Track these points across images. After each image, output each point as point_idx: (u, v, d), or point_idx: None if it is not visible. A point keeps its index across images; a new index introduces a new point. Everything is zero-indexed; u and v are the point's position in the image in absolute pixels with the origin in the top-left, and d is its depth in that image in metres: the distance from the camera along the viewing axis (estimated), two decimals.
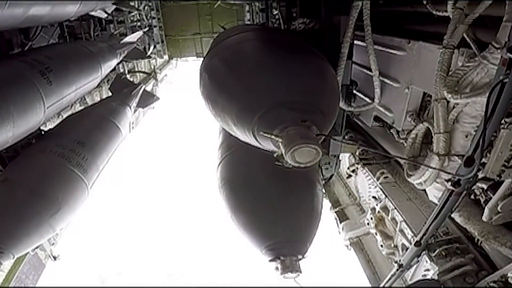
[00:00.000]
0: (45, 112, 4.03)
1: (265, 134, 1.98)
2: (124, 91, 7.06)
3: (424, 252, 3.16)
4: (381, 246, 4.11)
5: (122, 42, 7.78)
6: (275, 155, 2.00)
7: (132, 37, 8.67)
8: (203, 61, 3.21)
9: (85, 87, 5.25)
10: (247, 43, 2.84)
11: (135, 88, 7.45)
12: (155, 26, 12.45)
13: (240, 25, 6.59)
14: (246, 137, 2.29)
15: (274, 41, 2.97)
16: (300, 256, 2.67)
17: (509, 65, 1.83)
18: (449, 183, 2.38)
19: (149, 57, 11.90)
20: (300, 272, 2.54)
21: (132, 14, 10.45)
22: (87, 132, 4.80)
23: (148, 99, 8.02)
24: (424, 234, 2.90)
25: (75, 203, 4.18)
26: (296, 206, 2.98)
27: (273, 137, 1.90)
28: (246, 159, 3.24)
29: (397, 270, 3.33)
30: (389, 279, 3.49)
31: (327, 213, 5.60)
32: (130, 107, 6.65)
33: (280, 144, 1.83)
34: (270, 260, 2.68)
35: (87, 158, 4.43)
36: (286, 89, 2.12)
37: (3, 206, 3.57)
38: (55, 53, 4.68)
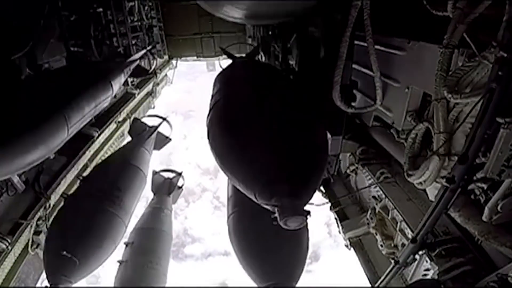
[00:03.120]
0: (68, 132, 4.48)
1: (264, 204, 2.38)
2: (142, 135, 8.12)
3: (423, 251, 3.17)
4: (381, 246, 4.11)
5: (128, 60, 8.17)
6: (273, 216, 2.29)
7: (136, 56, 9.06)
8: (210, 110, 3.41)
9: (100, 106, 5.61)
10: (247, 109, 3.02)
11: (151, 132, 8.57)
12: (155, 26, 12.43)
13: (240, 62, 6.27)
14: (251, 197, 2.60)
15: (273, 106, 3.09)
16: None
17: (502, 63, 1.84)
18: (444, 180, 2.41)
19: (154, 73, 12.21)
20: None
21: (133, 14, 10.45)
22: (121, 179, 5.68)
23: (162, 140, 9.14)
24: (419, 231, 2.92)
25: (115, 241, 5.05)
26: None
27: (270, 206, 2.28)
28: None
29: (394, 266, 3.35)
30: (386, 275, 3.50)
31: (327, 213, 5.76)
32: (148, 152, 7.60)
33: (276, 211, 2.20)
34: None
35: (123, 201, 5.26)
36: (280, 167, 2.44)
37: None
38: (72, 76, 5.14)
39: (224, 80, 4.27)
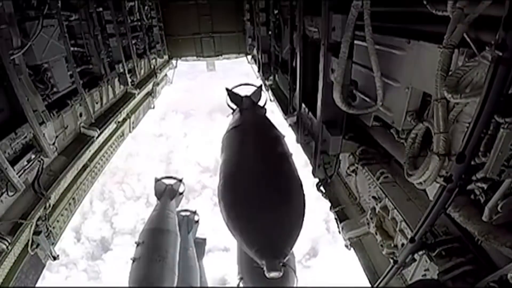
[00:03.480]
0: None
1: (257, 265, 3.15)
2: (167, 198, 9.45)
3: (424, 252, 3.17)
4: (381, 246, 4.11)
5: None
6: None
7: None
8: (220, 179, 4.22)
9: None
10: (248, 189, 3.72)
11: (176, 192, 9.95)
12: (155, 26, 12.43)
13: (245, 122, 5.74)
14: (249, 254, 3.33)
15: (269, 184, 3.76)
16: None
17: (497, 62, 1.84)
18: (442, 179, 2.42)
19: (154, 73, 12.51)
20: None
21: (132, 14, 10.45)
22: (165, 243, 7.47)
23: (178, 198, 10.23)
24: (418, 231, 2.92)
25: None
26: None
27: (260, 263, 3.06)
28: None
29: (393, 266, 3.35)
30: (385, 275, 3.50)
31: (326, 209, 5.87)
32: (174, 213, 8.93)
33: (264, 267, 2.98)
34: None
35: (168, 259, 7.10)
36: (268, 238, 3.26)
37: None
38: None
39: (230, 148, 4.75)
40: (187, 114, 42.25)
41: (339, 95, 3.69)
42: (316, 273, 31.04)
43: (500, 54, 1.81)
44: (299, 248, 31.12)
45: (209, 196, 37.30)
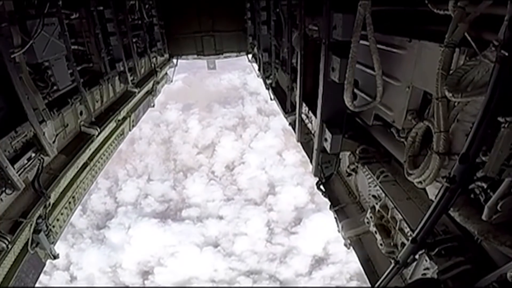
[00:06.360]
0: None
1: None
2: None
3: (423, 251, 3.17)
4: (381, 244, 4.11)
5: None
6: None
7: None
8: None
9: None
10: None
11: None
12: (155, 25, 12.42)
13: None
14: None
15: None
16: None
17: (503, 62, 1.84)
18: (445, 179, 2.41)
19: (155, 71, 12.25)
20: None
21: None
22: None
23: None
24: (420, 231, 2.92)
25: None
26: None
27: None
28: None
29: (394, 267, 3.34)
30: (386, 275, 3.50)
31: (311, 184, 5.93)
32: None
33: None
34: None
35: None
36: None
37: None
38: None
39: None
40: (186, 104, 44.88)
41: (350, 95, 3.69)
42: (303, 237, 34.32)
43: (506, 54, 1.81)
44: (285, 217, 35.69)
45: (205, 173, 41.75)
